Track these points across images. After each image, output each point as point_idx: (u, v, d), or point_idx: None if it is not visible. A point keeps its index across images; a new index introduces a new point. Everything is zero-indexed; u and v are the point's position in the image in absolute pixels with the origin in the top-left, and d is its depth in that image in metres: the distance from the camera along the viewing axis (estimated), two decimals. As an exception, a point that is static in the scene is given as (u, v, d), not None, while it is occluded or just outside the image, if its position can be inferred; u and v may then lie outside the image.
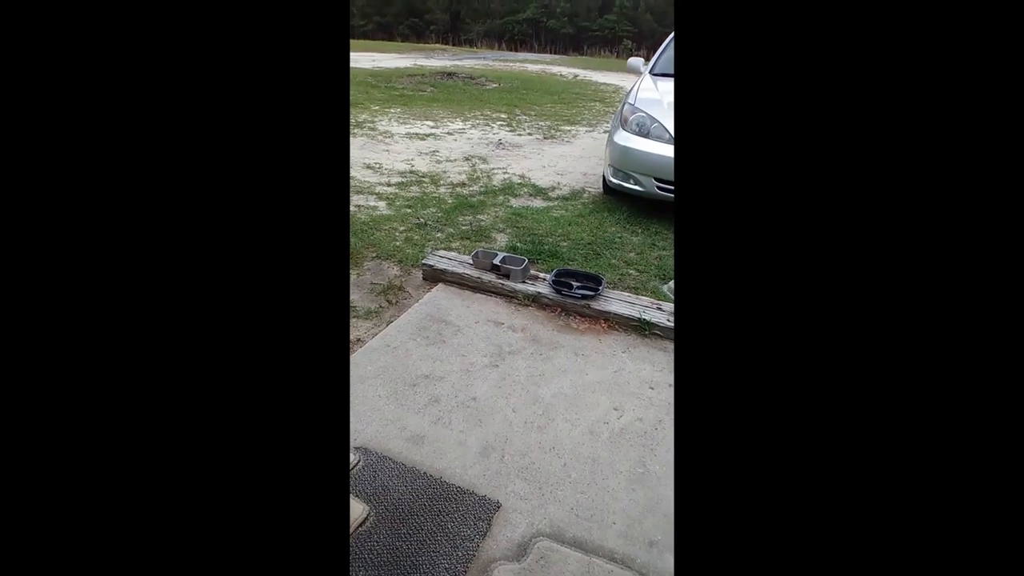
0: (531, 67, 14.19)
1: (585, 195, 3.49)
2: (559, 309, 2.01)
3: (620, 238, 2.76)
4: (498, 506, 1.15)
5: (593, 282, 2.09)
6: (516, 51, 23.34)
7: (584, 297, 2.00)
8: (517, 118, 6.25)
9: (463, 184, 3.57)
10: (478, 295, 2.09)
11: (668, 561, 1.06)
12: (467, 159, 4.26)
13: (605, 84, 10.77)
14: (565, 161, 4.40)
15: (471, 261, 2.20)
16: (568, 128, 5.87)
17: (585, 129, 5.89)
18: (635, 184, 2.95)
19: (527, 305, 2.03)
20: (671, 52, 3.72)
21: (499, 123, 5.88)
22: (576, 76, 12.32)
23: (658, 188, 2.87)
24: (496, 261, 2.13)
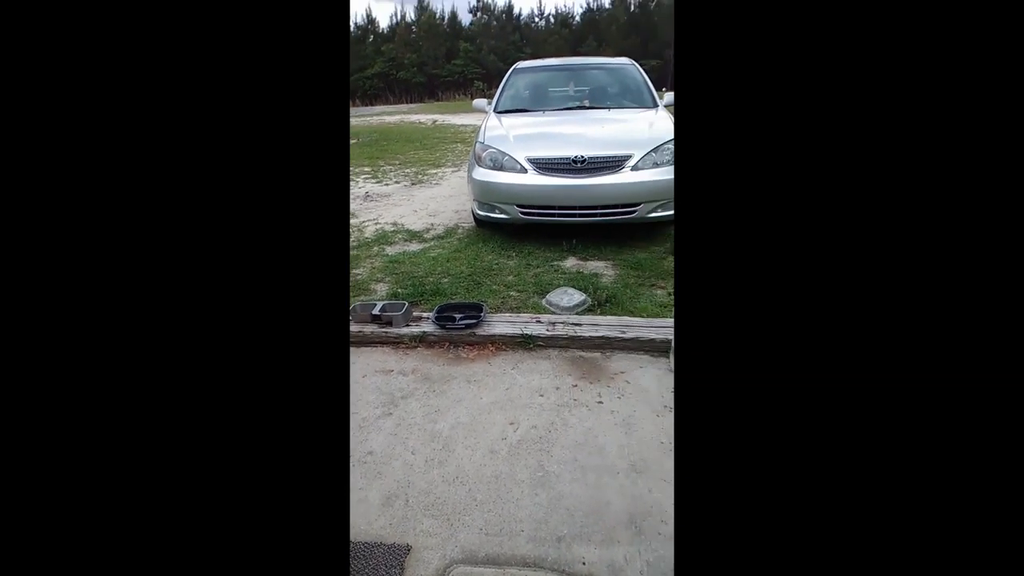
0: (389, 118, 14.41)
1: (459, 231, 3.62)
2: (447, 343, 2.06)
3: (497, 264, 2.91)
4: (408, 549, 1.14)
5: (475, 310, 2.17)
6: (371, 105, 23.55)
7: (468, 326, 2.07)
8: (382, 169, 6.30)
9: (335, 242, 3.51)
10: (363, 348, 2.06)
11: (576, 551, 1.13)
12: (336, 217, 4.20)
13: (463, 125, 11.28)
14: (436, 202, 4.52)
15: (349, 317, 2.17)
16: (434, 171, 6.04)
17: (451, 169, 6.11)
18: (501, 213, 3.13)
19: (414, 347, 2.06)
20: (510, 91, 4.06)
21: (364, 176, 5.88)
22: (435, 121, 12.76)
23: (522, 213, 3.08)
24: (375, 311, 2.13)
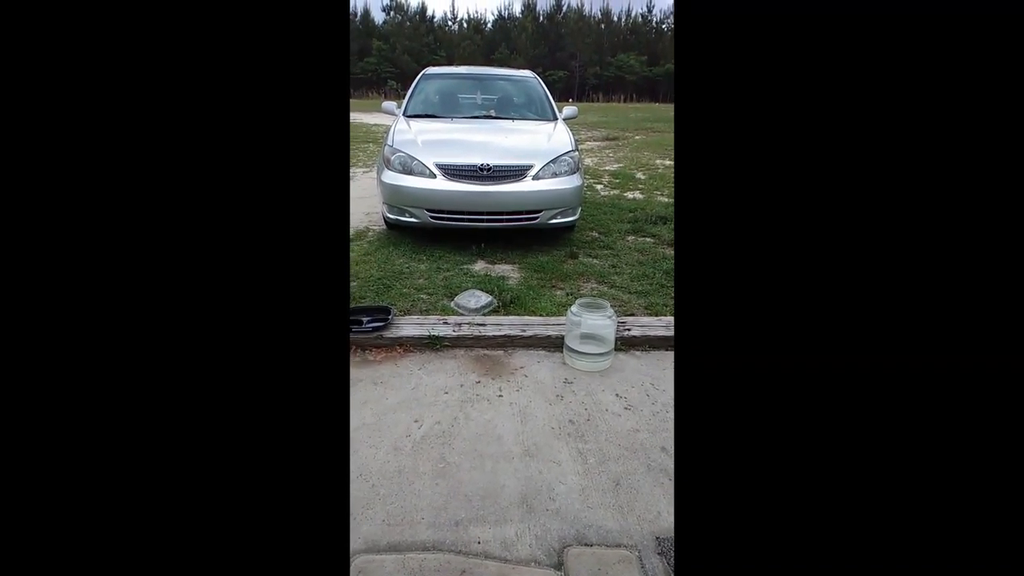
0: (297, 114, 13.63)
1: (370, 234, 3.59)
2: (354, 347, 2.07)
3: (408, 268, 2.94)
4: (309, 546, 1.18)
5: (383, 313, 2.21)
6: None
7: (376, 329, 2.10)
8: (287, 168, 6.00)
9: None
10: (265, 355, 2.02)
11: (472, 532, 1.24)
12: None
13: (376, 125, 11.03)
14: (344, 205, 4.42)
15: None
16: (344, 172, 5.87)
17: (363, 170, 5.98)
18: (411, 217, 3.17)
19: (320, 352, 2.05)
20: (419, 96, 4.10)
21: (267, 176, 5.57)
22: (346, 119, 12.31)
23: (431, 218, 3.14)
24: (277, 317, 2.09)
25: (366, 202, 4.50)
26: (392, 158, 3.23)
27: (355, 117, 12.79)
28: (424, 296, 2.59)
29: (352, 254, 3.16)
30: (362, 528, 1.24)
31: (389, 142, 3.37)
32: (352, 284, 2.69)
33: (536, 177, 3.13)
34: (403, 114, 3.85)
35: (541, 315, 2.32)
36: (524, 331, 2.12)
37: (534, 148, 3.31)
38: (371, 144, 8.18)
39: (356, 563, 1.14)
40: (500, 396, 1.78)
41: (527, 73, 4.51)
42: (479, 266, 3.01)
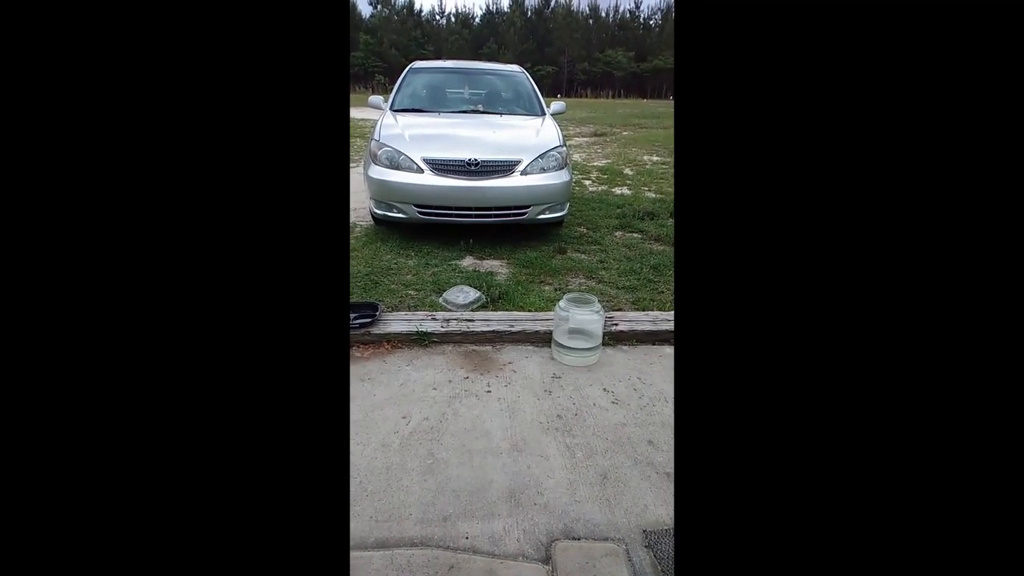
0: (282, 108, 13.44)
1: (357, 229, 3.56)
2: (340, 344, 2.06)
3: (396, 263, 2.92)
4: (296, 544, 1.17)
5: (371, 309, 2.19)
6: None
7: (363, 325, 2.09)
8: (272, 163, 5.93)
9: (217, 242, 3.28)
10: (250, 352, 1.99)
11: (460, 527, 1.24)
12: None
13: (363, 120, 10.92)
14: (331, 200, 4.38)
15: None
16: (330, 167, 5.82)
17: (351, 165, 5.92)
18: (398, 212, 3.15)
19: (306, 348, 2.03)
20: (407, 89, 4.06)
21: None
22: (333, 114, 12.15)
23: (419, 213, 3.12)
24: (263, 313, 2.07)
25: (353, 197, 4.45)
26: (379, 153, 3.20)
27: (342, 112, 12.63)
28: (412, 292, 2.57)
29: (339, 250, 3.13)
30: (351, 525, 1.23)
31: (376, 137, 3.34)
32: (339, 280, 2.66)
33: (524, 173, 3.13)
34: (390, 108, 3.82)
35: (529, 311, 2.32)
36: (512, 327, 2.12)
37: (522, 143, 3.30)
38: (358, 139, 8.10)
39: (343, 560, 1.14)
40: (488, 392, 1.78)
41: (515, 68, 4.50)
42: (467, 262, 3.00)
